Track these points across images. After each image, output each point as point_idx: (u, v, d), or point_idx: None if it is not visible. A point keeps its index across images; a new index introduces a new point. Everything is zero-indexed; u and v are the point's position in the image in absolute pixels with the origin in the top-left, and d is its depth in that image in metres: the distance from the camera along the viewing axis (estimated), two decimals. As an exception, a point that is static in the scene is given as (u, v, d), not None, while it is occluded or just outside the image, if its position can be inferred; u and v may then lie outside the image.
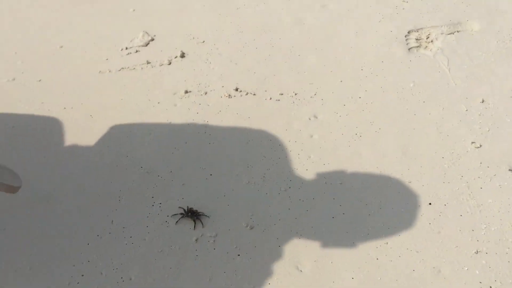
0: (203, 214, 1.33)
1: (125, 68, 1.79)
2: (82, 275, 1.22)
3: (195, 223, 1.31)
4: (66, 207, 1.35)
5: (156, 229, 1.31)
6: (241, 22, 1.98)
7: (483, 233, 1.26)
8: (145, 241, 1.28)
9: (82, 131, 1.56)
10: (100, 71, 1.78)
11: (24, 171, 1.43)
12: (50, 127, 1.58)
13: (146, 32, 1.93)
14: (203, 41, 1.90)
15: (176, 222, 1.32)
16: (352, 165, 1.44)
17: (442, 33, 1.86)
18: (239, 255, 1.25)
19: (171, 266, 1.23)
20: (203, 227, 1.31)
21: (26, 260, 1.25)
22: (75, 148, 1.51)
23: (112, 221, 1.33)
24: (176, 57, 1.83)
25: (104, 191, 1.38)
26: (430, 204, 1.33)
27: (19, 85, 1.70)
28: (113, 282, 1.20)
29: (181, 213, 1.33)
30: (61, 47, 1.89)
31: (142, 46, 1.89)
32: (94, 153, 1.49)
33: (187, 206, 1.34)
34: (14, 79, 1.74)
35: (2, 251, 1.27)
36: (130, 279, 1.21)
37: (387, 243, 1.25)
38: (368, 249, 1.24)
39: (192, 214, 1.32)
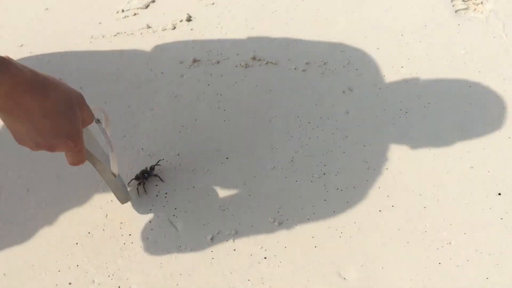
0: (157, 175, 1.12)
1: (122, 33, 1.53)
2: (70, 283, 0.97)
3: (160, 179, 1.12)
4: (47, 197, 1.10)
5: (161, 226, 1.05)
6: (256, -18, 1.70)
7: None
8: (148, 240, 1.03)
9: (71, 105, 1.30)
10: (92, 36, 1.52)
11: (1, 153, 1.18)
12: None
13: (146, -7, 1.66)
14: (213, 3, 1.62)
15: (138, 193, 1.10)
16: (399, 147, 1.18)
17: (492, -6, 1.59)
18: (265, 258, 1.00)
19: (181, 272, 0.98)
20: (163, 182, 1.11)
21: (-2, 265, 1.00)
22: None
23: (107, 215, 1.07)
24: (181, 20, 1.56)
25: (95, 178, 1.12)
26: (499, 194, 1.08)
27: (-4, 52, 1.44)
28: (109, 293, 0.95)
29: (139, 182, 1.10)
30: (47, 9, 1.63)
31: (141, 8, 1.62)
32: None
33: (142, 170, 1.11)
34: (-9, 45, 1.48)
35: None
36: (130, 289, 0.96)
37: (450, 243, 1.00)
38: (427, 251, 0.99)
39: (148, 176, 1.10)
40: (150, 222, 1.06)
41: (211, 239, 1.03)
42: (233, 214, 1.07)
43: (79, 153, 0.84)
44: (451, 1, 1.58)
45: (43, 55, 1.44)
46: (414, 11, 1.55)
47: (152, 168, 1.11)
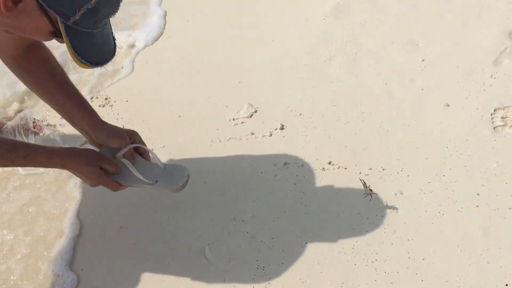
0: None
1: (233, 138, 2.08)
2: (199, 325, 1.49)
3: None
4: (175, 259, 1.64)
5: (260, 290, 1.55)
6: (334, 95, 2.20)
7: (558, 320, 1.37)
8: (251, 300, 1.53)
9: (198, 195, 1.85)
10: (211, 140, 2.08)
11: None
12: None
13: (251, 104, 2.22)
14: (300, 114, 2.14)
15: None
16: (435, 243, 1.60)
17: (528, 112, 1.97)
18: (330, 320, 1.46)
19: (272, 324, 1.47)
20: None
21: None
22: (191, 211, 1.80)
23: (224, 279, 1.59)
24: (276, 129, 2.09)
25: (216, 254, 1.65)
26: (506, 285, 1.46)
27: (147, 152, 2.04)
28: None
29: None
30: (179, 116, 2.22)
31: (247, 117, 2.17)
32: (209, 217, 1.77)
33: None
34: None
35: None
36: (239, 333, 1.46)
37: (465, 320, 1.40)
38: (447, 325, 1.40)
39: None
40: (253, 287, 1.56)
41: (293, 303, 1.51)
42: (310, 286, 1.54)
43: (108, 186, 1.53)
44: (491, 118, 1.98)
45: (179, 156, 2.02)
46: (460, 127, 1.97)
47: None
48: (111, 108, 2.23)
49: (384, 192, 1.78)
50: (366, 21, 2.57)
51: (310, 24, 2.60)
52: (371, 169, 1.87)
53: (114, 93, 2.30)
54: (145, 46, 2.55)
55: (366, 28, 2.53)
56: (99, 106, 2.23)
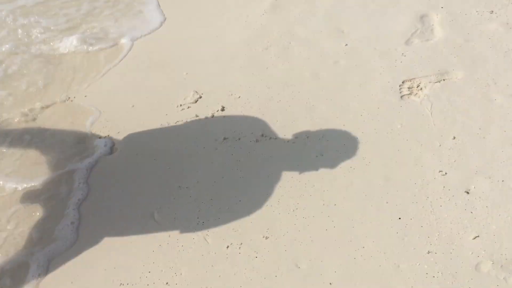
0: None
1: (180, 121, 2.36)
2: (149, 272, 1.77)
3: None
4: (130, 223, 1.92)
5: (199, 240, 1.83)
6: (269, 79, 2.50)
7: (435, 238, 1.68)
8: (192, 248, 1.81)
9: (148, 170, 2.13)
10: (161, 124, 2.36)
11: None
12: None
13: (196, 91, 2.51)
14: (239, 97, 2.44)
15: None
16: (345, 191, 1.90)
17: (430, 82, 2.29)
18: (256, 257, 1.75)
19: (211, 265, 1.75)
20: None
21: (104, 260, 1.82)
22: (143, 184, 2.08)
23: (169, 235, 1.87)
24: (218, 110, 2.38)
25: (163, 216, 1.93)
26: (399, 218, 1.77)
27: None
28: (169, 276, 1.74)
29: None
30: (133, 106, 2.50)
31: (192, 103, 2.46)
32: (158, 187, 2.05)
33: None
34: (100, 132, 2.36)
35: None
36: (181, 274, 1.74)
37: (363, 247, 1.70)
38: (350, 252, 1.70)
39: None
40: (193, 238, 1.84)
41: (227, 247, 1.79)
42: (241, 233, 1.83)
43: None
44: (400, 89, 2.30)
45: (133, 139, 2.30)
46: (372, 97, 2.28)
47: None
48: (72, 102, 2.50)
49: (307, 155, 2.08)
50: (300, 14, 2.89)
51: (251, 20, 2.91)
52: (297, 137, 2.17)
53: (73, 90, 2.57)
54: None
55: (299, 20, 2.85)
56: (61, 101, 2.50)
